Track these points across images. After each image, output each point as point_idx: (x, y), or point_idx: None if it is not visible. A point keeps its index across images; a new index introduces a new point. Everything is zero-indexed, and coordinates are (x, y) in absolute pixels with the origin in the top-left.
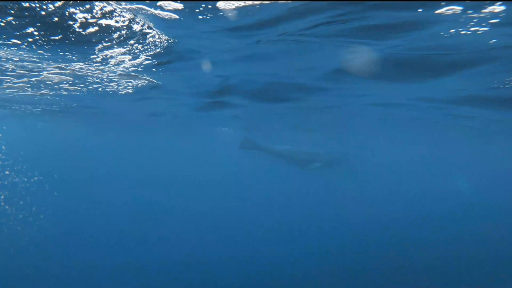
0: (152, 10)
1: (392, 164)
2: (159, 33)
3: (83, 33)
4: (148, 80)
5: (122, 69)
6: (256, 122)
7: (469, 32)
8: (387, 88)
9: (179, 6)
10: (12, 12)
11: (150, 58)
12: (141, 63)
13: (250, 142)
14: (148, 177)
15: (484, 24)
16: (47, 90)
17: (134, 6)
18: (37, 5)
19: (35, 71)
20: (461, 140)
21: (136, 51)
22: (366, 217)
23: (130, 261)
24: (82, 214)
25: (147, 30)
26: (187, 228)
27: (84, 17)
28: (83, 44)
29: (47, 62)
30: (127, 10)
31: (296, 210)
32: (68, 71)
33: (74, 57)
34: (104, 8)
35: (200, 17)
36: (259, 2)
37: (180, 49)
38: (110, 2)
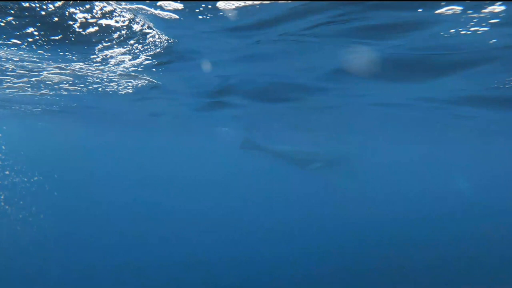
0: (152, 10)
1: (392, 164)
2: (159, 33)
3: (83, 33)
4: (148, 80)
5: (122, 69)
6: (256, 122)
7: (469, 32)
8: (387, 88)
9: (179, 6)
10: (12, 12)
11: (150, 58)
12: (141, 63)
13: (250, 142)
14: (148, 177)
15: (484, 24)
16: (47, 90)
17: (134, 6)
18: (37, 5)
19: (35, 71)
20: (461, 140)
21: (136, 51)
22: (366, 217)
23: (130, 261)
24: (82, 214)
25: (147, 30)
26: (187, 228)
27: (84, 17)
28: (83, 44)
29: (47, 62)
30: (127, 10)
31: (296, 210)
32: (68, 71)
33: (74, 57)
34: (104, 8)
35: (200, 17)
36: (259, 2)
37: (180, 49)
38: (110, 2)
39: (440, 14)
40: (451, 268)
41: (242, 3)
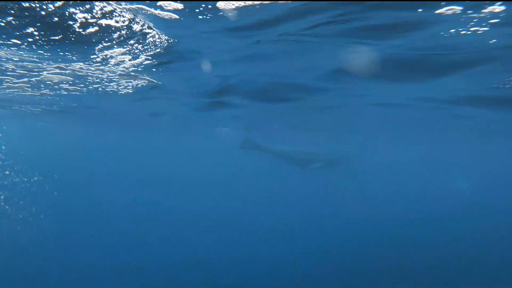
0: (152, 10)
1: (392, 164)
2: (159, 33)
3: (83, 33)
4: (148, 80)
5: (122, 69)
6: (256, 122)
7: (469, 32)
8: (387, 88)
9: (179, 6)
10: (12, 12)
11: (150, 58)
12: (141, 63)
13: (250, 142)
14: (148, 177)
15: (484, 24)
16: (47, 90)
17: (134, 6)
18: (37, 5)
19: (35, 71)
20: (461, 140)
21: (136, 51)
22: (366, 217)
23: (130, 261)
24: (82, 214)
25: (147, 30)
26: (187, 228)
27: (84, 17)
28: (83, 44)
29: (47, 62)
30: (127, 10)
31: (296, 210)
32: (68, 71)
33: (74, 57)
34: (104, 8)
35: (200, 17)
36: (259, 2)
37: (180, 49)
38: (110, 2)
39: (440, 14)
40: (451, 268)
41: (242, 3)
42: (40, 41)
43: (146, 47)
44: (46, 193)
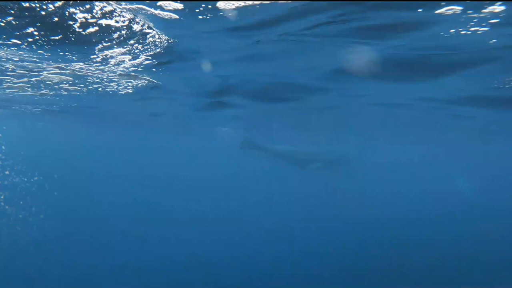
0: (152, 10)
1: (392, 164)
2: (159, 33)
3: (83, 33)
4: (148, 80)
5: (122, 69)
6: (256, 122)
7: (469, 32)
8: (387, 88)
9: (179, 6)
10: (12, 12)
11: (150, 58)
12: (141, 63)
13: (250, 142)
14: (148, 177)
15: (484, 24)
16: (47, 90)
17: (134, 6)
18: (37, 5)
19: (35, 71)
20: (461, 140)
21: (136, 51)
22: (366, 217)
23: (130, 261)
24: (82, 214)
25: (147, 30)
26: (187, 228)
27: (84, 17)
28: (83, 44)
29: (47, 62)
30: (127, 10)
31: (296, 210)
32: (68, 71)
33: (74, 57)
34: (104, 8)
35: (200, 17)
36: (259, 2)
37: (180, 49)
38: (110, 2)
39: (440, 14)
40: (451, 268)
41: (242, 3)
42: (40, 41)
43: (146, 47)
44: (46, 193)
